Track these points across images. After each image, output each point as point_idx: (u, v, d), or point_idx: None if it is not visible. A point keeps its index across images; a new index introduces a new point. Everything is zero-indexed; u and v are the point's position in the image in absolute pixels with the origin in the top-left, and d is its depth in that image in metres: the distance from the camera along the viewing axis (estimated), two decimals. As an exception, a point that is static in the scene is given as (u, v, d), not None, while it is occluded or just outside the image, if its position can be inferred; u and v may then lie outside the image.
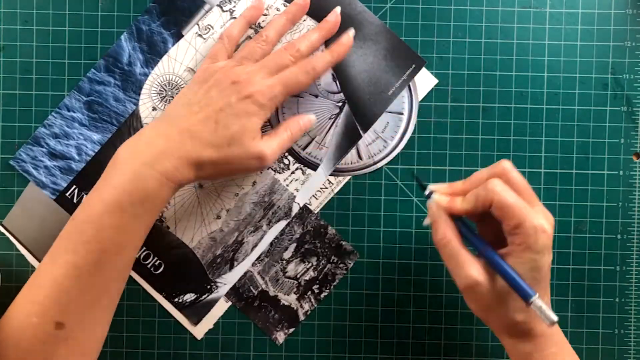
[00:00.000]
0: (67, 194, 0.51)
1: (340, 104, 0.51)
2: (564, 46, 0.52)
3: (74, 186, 0.51)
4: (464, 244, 0.42)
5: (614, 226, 0.52)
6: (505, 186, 0.41)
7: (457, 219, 0.43)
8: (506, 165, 0.42)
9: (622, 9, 0.52)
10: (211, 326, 0.51)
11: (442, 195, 0.43)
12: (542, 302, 0.39)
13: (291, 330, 0.52)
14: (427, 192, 0.43)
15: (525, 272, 0.40)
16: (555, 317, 0.39)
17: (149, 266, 0.51)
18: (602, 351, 0.52)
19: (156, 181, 0.42)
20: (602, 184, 0.52)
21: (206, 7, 0.51)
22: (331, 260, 0.52)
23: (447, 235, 0.42)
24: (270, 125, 0.51)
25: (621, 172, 0.52)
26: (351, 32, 0.49)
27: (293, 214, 0.51)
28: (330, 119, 0.51)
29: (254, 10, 0.50)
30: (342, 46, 0.48)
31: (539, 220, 0.40)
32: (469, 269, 0.40)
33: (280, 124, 0.48)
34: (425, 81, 0.51)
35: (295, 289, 0.52)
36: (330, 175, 0.52)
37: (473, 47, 0.52)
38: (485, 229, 0.44)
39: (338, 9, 0.50)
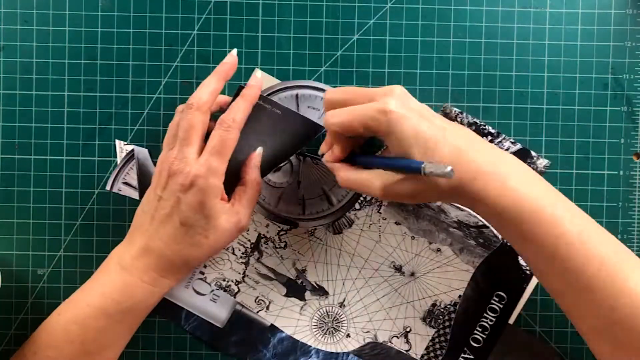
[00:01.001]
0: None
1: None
2: (564, 46, 0.52)
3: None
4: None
5: (614, 226, 0.52)
6: (334, 111, 0.43)
7: (350, 156, 0.46)
8: (326, 94, 0.45)
9: (622, 9, 0.52)
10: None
11: (326, 153, 0.46)
12: (431, 166, 0.38)
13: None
14: (320, 155, 0.48)
15: (407, 148, 0.40)
16: (447, 167, 0.37)
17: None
18: (602, 351, 0.52)
19: (145, 291, 0.44)
20: (602, 184, 0.52)
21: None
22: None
23: (344, 175, 0.44)
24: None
25: (621, 172, 0.52)
26: (258, 73, 0.50)
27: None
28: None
29: (226, 65, 0.48)
30: (253, 88, 0.48)
31: (376, 108, 0.41)
32: (372, 182, 0.42)
33: (239, 183, 0.47)
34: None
35: None
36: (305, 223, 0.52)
37: (473, 47, 0.52)
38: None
39: (234, 51, 0.49)
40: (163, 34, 0.52)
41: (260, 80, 0.49)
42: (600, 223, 0.51)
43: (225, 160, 0.45)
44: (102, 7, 0.52)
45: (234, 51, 0.49)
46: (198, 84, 0.51)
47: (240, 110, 0.46)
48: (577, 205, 0.51)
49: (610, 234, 0.41)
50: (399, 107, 0.41)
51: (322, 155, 0.47)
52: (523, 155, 0.51)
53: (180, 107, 0.47)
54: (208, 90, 0.46)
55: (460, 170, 0.40)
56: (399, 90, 0.42)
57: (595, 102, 0.52)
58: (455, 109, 0.51)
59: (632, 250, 0.51)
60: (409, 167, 0.40)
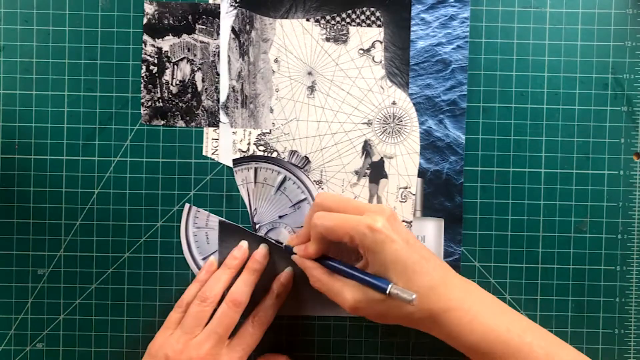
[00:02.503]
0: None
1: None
2: (564, 46, 0.52)
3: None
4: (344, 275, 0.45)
5: (614, 226, 0.52)
6: (323, 214, 0.44)
7: (320, 258, 0.47)
8: (318, 196, 0.46)
9: (622, 9, 0.52)
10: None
11: (297, 247, 0.47)
12: (397, 289, 0.41)
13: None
14: (283, 246, 0.49)
15: (385, 270, 0.42)
16: (412, 295, 0.40)
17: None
18: (602, 351, 0.52)
19: None
20: (602, 184, 0.52)
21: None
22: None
23: (317, 276, 0.45)
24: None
25: (621, 172, 0.52)
26: (289, 271, 0.51)
27: None
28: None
29: (208, 274, 0.50)
30: (283, 287, 0.50)
31: (364, 222, 0.42)
32: (343, 294, 0.43)
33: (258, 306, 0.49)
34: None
35: None
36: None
37: (473, 47, 0.52)
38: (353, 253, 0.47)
39: (244, 244, 0.51)
40: (163, 34, 0.52)
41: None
42: (600, 223, 0.52)
43: (226, 337, 0.46)
44: (102, 7, 0.52)
45: (244, 243, 0.50)
46: (198, 84, 0.52)
47: (273, 307, 0.49)
48: (577, 205, 0.52)
49: (575, 350, 0.44)
50: (387, 229, 0.42)
51: (286, 246, 0.49)
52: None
53: (182, 301, 0.48)
54: (220, 286, 0.48)
55: (431, 303, 0.42)
56: (389, 211, 0.44)
57: (596, 102, 0.52)
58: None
59: (632, 250, 0.52)
60: (376, 285, 0.42)
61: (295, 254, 0.48)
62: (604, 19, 0.52)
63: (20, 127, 0.52)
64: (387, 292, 0.41)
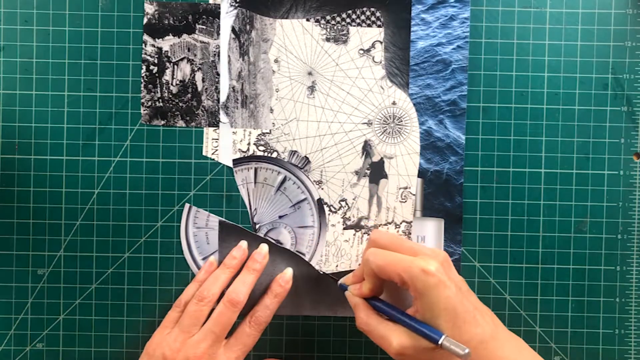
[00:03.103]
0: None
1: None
2: (564, 46, 0.52)
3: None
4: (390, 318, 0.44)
5: (614, 226, 0.52)
6: (377, 251, 0.44)
7: (371, 298, 0.46)
8: (373, 233, 0.46)
9: (622, 9, 0.52)
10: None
11: (352, 286, 0.47)
12: (450, 341, 0.39)
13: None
14: (338, 284, 0.48)
15: (434, 316, 0.41)
16: (465, 349, 0.38)
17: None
18: (602, 351, 0.52)
19: None
20: (602, 184, 0.52)
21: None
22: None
23: (364, 319, 0.44)
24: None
25: (621, 172, 0.52)
26: (289, 271, 0.50)
27: None
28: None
29: (207, 274, 0.50)
30: (282, 288, 0.49)
31: (418, 264, 0.41)
32: (390, 339, 0.42)
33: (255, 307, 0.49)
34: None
35: None
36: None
37: (473, 47, 0.52)
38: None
39: (244, 244, 0.50)
40: (163, 34, 0.52)
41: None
42: (600, 223, 0.52)
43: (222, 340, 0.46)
44: (102, 7, 0.52)
45: (244, 243, 0.50)
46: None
47: (270, 309, 0.48)
48: (577, 205, 0.52)
49: None
50: (441, 273, 0.41)
51: (340, 284, 0.48)
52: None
53: (180, 300, 0.48)
54: (218, 285, 0.48)
55: (480, 357, 0.41)
56: (443, 255, 0.43)
57: (595, 102, 0.52)
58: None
59: (632, 250, 0.52)
60: (427, 335, 0.40)
61: (346, 289, 0.47)
62: (604, 19, 0.52)
63: (20, 127, 0.52)
64: (440, 343, 0.39)
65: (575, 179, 0.52)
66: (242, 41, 0.51)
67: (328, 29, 0.51)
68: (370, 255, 0.44)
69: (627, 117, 0.52)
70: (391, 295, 0.47)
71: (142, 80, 0.52)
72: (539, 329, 0.52)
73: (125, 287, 0.52)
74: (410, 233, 0.52)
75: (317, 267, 0.52)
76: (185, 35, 0.52)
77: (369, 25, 0.51)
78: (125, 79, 0.52)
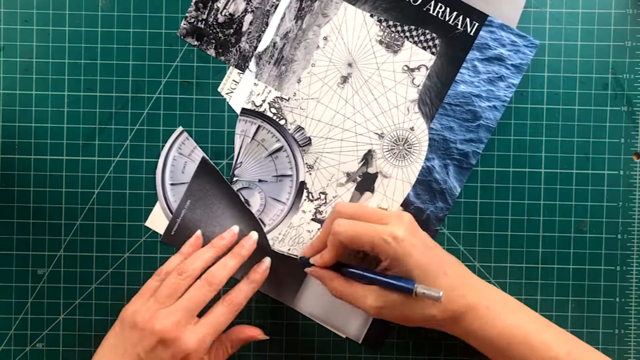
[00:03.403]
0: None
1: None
2: (564, 46, 0.52)
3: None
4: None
5: (614, 226, 0.52)
6: (345, 221, 0.44)
7: (337, 265, 0.47)
8: (337, 205, 0.46)
9: (622, 9, 0.52)
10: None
11: (313, 257, 0.47)
12: (423, 287, 0.42)
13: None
14: (298, 258, 0.49)
15: (407, 276, 0.43)
16: (439, 292, 0.41)
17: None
18: (602, 351, 0.52)
19: None
20: (602, 184, 0.52)
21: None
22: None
23: (337, 287, 0.46)
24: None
25: (621, 172, 0.52)
26: (267, 261, 0.49)
27: None
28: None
29: (192, 248, 0.49)
30: (259, 274, 0.49)
31: (388, 231, 0.43)
32: (365, 300, 0.44)
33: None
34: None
35: None
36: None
37: (473, 47, 0.52)
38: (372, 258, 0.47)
39: (236, 228, 0.50)
40: (163, 34, 0.52)
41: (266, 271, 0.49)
42: (600, 223, 0.52)
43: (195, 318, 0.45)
44: (102, 7, 0.52)
45: (235, 228, 0.50)
46: (198, 83, 0.52)
47: (246, 292, 0.47)
48: (577, 205, 0.52)
49: (595, 349, 0.45)
50: (409, 236, 0.43)
51: (300, 257, 0.49)
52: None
53: (162, 270, 0.47)
54: (200, 263, 0.47)
55: (453, 303, 0.43)
56: (408, 217, 0.45)
57: (595, 102, 0.52)
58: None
59: (632, 250, 0.52)
60: (402, 287, 0.43)
61: (309, 265, 0.48)
62: (604, 19, 0.52)
63: (20, 127, 0.52)
64: (414, 292, 0.42)
65: (575, 179, 0.52)
66: (302, 5, 0.51)
67: (385, 33, 0.51)
68: (338, 227, 0.44)
69: (627, 117, 0.52)
70: (350, 259, 0.48)
71: None
72: (539, 329, 0.52)
73: (125, 287, 0.52)
74: None
75: (270, 242, 0.52)
76: (255, -26, 0.51)
77: (423, 48, 0.51)
78: (125, 79, 0.52)
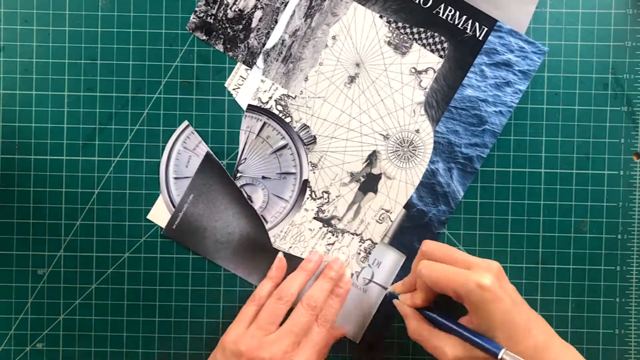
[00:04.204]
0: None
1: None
2: (564, 46, 0.52)
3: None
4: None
5: (614, 226, 0.52)
6: (431, 264, 0.44)
7: (423, 308, 0.46)
8: (424, 245, 0.46)
9: (622, 9, 0.52)
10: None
11: (403, 295, 0.47)
12: (509, 355, 0.40)
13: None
14: (387, 293, 0.50)
15: (491, 330, 0.41)
16: None
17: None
18: (602, 351, 0.52)
19: None
20: (602, 184, 0.52)
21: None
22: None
23: (416, 329, 0.45)
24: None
25: (621, 172, 0.52)
26: (348, 273, 0.50)
27: None
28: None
29: (279, 271, 0.50)
30: (342, 289, 0.49)
31: (473, 279, 0.41)
32: (444, 349, 0.43)
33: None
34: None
35: None
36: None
37: (473, 47, 0.52)
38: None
39: (321, 250, 0.51)
40: (163, 34, 0.52)
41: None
42: (600, 223, 0.52)
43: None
44: (102, 7, 0.52)
45: (320, 249, 0.51)
46: (198, 83, 0.52)
47: (335, 309, 0.48)
48: (577, 205, 0.52)
49: None
50: (496, 287, 0.41)
51: (390, 293, 0.49)
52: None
53: (255, 296, 0.48)
54: (296, 287, 0.48)
55: None
56: (496, 267, 0.43)
57: (595, 102, 0.52)
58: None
59: (632, 250, 0.52)
60: (486, 349, 0.41)
61: (397, 298, 0.48)
62: (604, 19, 0.52)
63: (20, 127, 0.52)
64: (499, 357, 0.40)
65: (575, 179, 0.52)
66: (312, 4, 0.51)
67: (394, 34, 0.51)
68: (424, 269, 0.44)
69: (627, 117, 0.52)
70: (441, 305, 0.47)
71: None
72: (539, 329, 0.52)
73: (125, 287, 0.52)
74: (370, 253, 0.52)
75: (272, 239, 0.52)
76: (267, -30, 0.51)
77: (432, 51, 0.51)
78: (125, 79, 0.52)
